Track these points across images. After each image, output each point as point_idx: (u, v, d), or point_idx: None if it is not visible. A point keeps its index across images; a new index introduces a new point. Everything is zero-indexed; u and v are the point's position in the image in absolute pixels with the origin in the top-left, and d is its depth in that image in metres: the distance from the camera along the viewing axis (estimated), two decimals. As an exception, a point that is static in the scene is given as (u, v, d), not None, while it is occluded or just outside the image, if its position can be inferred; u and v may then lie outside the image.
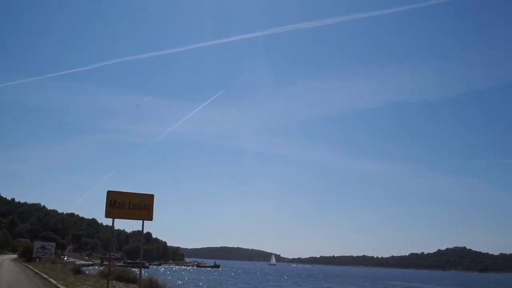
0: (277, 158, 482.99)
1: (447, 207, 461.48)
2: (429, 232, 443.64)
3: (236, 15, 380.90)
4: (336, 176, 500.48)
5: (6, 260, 57.27)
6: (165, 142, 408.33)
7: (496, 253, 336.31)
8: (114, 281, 17.23)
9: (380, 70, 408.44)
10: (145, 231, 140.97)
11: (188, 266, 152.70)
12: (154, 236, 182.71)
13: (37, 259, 47.89)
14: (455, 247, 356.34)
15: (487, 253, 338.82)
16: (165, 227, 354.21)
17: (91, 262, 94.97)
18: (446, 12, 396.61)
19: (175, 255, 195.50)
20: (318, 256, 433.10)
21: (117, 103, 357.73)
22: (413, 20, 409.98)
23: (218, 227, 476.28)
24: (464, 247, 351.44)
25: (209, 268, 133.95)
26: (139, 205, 15.01)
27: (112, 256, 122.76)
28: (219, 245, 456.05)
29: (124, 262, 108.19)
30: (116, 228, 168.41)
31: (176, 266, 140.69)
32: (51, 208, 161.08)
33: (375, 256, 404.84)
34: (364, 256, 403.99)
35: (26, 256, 54.13)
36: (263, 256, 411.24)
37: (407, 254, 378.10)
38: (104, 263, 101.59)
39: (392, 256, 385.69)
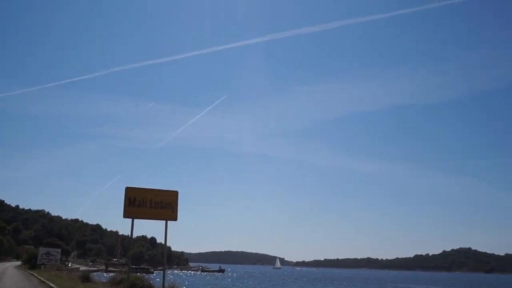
0: (280, 161, 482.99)
1: (451, 208, 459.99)
2: (434, 233, 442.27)
3: (237, 21, 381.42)
4: (339, 179, 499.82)
5: (10, 267, 56.71)
6: (168, 148, 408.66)
7: (501, 253, 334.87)
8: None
9: (379, 73, 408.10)
10: (149, 236, 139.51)
11: (193, 270, 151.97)
12: (158, 241, 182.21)
13: (42, 266, 47.19)
14: (460, 248, 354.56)
15: (493, 253, 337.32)
16: (169, 232, 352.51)
17: (96, 268, 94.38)
18: (445, 14, 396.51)
19: (179, 260, 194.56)
20: (322, 259, 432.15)
21: (120, 109, 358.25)
22: (412, 23, 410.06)
23: (222, 231, 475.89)
24: (470, 248, 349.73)
25: (214, 273, 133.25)
26: (162, 203, 13.33)
27: (116, 262, 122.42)
28: (223, 250, 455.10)
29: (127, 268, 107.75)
30: (120, 233, 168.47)
31: (181, 271, 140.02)
32: (55, 215, 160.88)
33: (379, 258, 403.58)
34: (368, 258, 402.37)
35: (31, 263, 53.35)
36: (267, 259, 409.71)
37: (411, 256, 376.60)
38: (109, 268, 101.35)
39: (397, 258, 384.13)
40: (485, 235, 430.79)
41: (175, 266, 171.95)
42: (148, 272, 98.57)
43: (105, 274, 68.24)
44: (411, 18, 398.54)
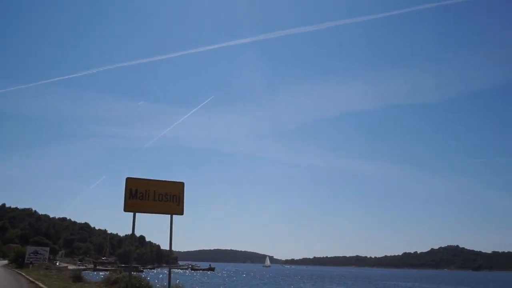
0: (270, 161, 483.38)
1: (439, 206, 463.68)
2: (422, 231, 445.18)
3: (230, 20, 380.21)
4: (328, 178, 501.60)
5: (-4, 266, 55.36)
6: (157, 147, 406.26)
7: (489, 251, 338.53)
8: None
9: (375, 73, 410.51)
10: (137, 235, 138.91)
11: (182, 269, 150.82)
12: (147, 239, 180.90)
13: (30, 265, 45.97)
14: (448, 246, 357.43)
15: (480, 251, 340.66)
16: (158, 230, 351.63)
17: (84, 267, 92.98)
18: (440, 14, 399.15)
19: (168, 258, 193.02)
20: (311, 257, 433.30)
21: (108, 108, 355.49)
22: (407, 23, 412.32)
23: (211, 230, 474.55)
24: (457, 246, 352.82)
25: (204, 271, 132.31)
26: (167, 196, 12.11)
27: (105, 260, 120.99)
28: (212, 248, 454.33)
29: (118, 266, 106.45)
30: (109, 232, 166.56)
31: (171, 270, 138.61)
32: (43, 213, 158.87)
33: (368, 256, 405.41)
34: (357, 256, 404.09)
35: (18, 262, 51.82)
36: (257, 258, 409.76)
37: (400, 254, 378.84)
38: (98, 267, 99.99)
39: (386, 256, 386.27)
40: (473, 233, 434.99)
41: (164, 265, 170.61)
42: (137, 270, 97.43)
43: (94, 273, 67.22)
44: (407, 18, 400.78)
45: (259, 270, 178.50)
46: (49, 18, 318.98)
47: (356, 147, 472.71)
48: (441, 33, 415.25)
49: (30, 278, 26.25)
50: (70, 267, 78.12)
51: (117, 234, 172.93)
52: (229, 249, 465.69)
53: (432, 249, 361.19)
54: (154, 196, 11.95)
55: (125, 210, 11.71)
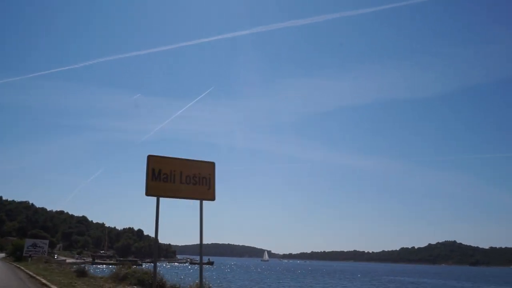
0: (267, 155, 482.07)
1: (437, 202, 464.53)
2: (420, 226, 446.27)
3: (225, 13, 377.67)
4: (325, 172, 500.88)
5: (-7, 259, 53.88)
6: (154, 141, 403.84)
7: (486, 246, 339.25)
8: (135, 286, 14.06)
9: (370, 67, 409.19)
10: (136, 228, 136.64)
11: (181, 263, 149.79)
12: (145, 233, 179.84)
13: (29, 259, 44.58)
14: (445, 241, 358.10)
15: (477, 246, 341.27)
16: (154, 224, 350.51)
17: (82, 260, 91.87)
18: (434, 9, 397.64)
19: (166, 252, 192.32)
20: (309, 251, 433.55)
21: (105, 101, 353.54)
22: (401, 18, 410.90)
23: (208, 223, 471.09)
24: (454, 241, 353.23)
25: (203, 265, 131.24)
26: (196, 178, 10.17)
27: (104, 254, 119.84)
28: (209, 242, 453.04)
29: (116, 260, 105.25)
30: (107, 225, 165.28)
31: (169, 264, 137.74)
32: (40, 206, 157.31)
33: (365, 251, 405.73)
34: (355, 251, 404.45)
35: (16, 256, 50.49)
36: (254, 252, 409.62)
37: (397, 249, 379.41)
38: (96, 260, 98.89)
39: (383, 251, 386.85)
40: (470, 228, 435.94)
41: (162, 259, 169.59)
42: (136, 264, 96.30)
43: (93, 267, 65.86)
44: (401, 12, 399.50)
45: (258, 264, 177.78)
46: (47, 10, 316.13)
47: (352, 142, 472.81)
48: (436, 27, 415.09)
49: (30, 273, 24.69)
50: (69, 260, 77.04)
51: (115, 227, 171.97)
52: (226, 243, 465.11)
53: (430, 244, 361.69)
54: (180, 178, 10.04)
55: (147, 193, 9.77)
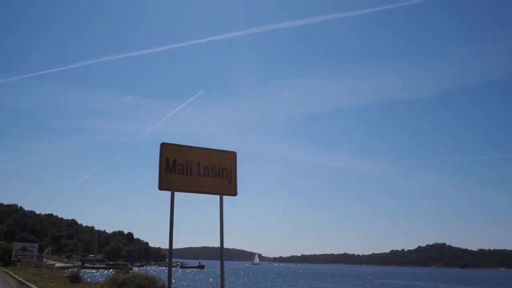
0: (259, 157, 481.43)
1: (426, 204, 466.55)
2: (409, 229, 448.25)
3: (220, 14, 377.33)
4: (316, 175, 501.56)
5: (-20, 264, 52.45)
6: (146, 143, 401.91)
7: (475, 249, 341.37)
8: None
9: (366, 68, 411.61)
10: (125, 232, 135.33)
11: (172, 267, 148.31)
12: (135, 236, 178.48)
13: (18, 263, 43.37)
14: (435, 244, 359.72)
15: (466, 249, 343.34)
16: (145, 227, 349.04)
17: (71, 265, 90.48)
18: (431, 9, 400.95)
19: (157, 255, 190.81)
20: (299, 254, 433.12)
21: (96, 103, 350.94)
22: (398, 19, 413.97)
23: (198, 227, 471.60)
24: (444, 244, 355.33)
25: (194, 269, 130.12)
26: (215, 169, 8.86)
27: (93, 258, 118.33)
28: (199, 245, 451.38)
29: (106, 264, 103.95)
30: (96, 228, 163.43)
31: (159, 267, 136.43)
32: (29, 209, 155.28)
33: (356, 254, 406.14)
34: (345, 254, 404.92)
35: (4, 260, 49.05)
36: (244, 255, 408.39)
37: (387, 251, 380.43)
38: (85, 264, 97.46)
39: (373, 254, 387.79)
40: (459, 230, 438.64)
41: (153, 262, 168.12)
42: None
43: (82, 271, 64.67)
44: (397, 13, 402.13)
45: (249, 268, 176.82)
46: (40, 11, 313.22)
47: (344, 144, 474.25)
48: (433, 28, 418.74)
49: (20, 279, 23.56)
50: (58, 264, 75.65)
51: (104, 230, 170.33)
52: (216, 246, 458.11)
53: (419, 247, 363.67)
54: (198, 169, 8.70)
55: (161, 187, 8.41)
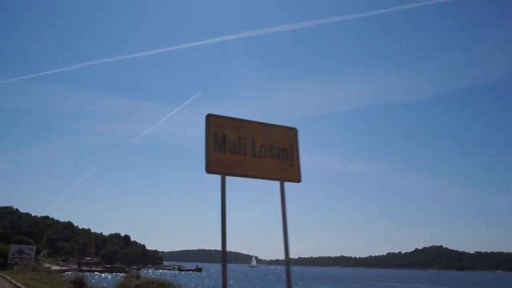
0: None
1: (423, 206, 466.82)
2: (406, 231, 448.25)
3: (218, 17, 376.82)
4: (311, 177, 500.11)
5: (-25, 267, 51.11)
6: (142, 145, 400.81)
7: (472, 251, 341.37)
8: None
9: (364, 71, 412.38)
10: (122, 234, 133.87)
11: (168, 269, 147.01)
12: (132, 239, 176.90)
13: (15, 266, 42.10)
14: (432, 246, 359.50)
15: (463, 251, 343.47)
16: (143, 230, 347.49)
17: (68, 267, 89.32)
18: (429, 12, 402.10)
19: (154, 258, 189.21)
20: (296, 257, 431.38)
21: (93, 104, 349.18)
22: (397, 21, 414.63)
23: (195, 230, 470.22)
24: (441, 246, 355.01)
25: (191, 272, 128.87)
26: (273, 149, 6.76)
27: (90, 261, 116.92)
28: (196, 248, 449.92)
29: (103, 267, 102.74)
30: (93, 231, 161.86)
31: (156, 270, 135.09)
32: (24, 211, 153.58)
33: (353, 256, 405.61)
34: (342, 256, 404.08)
35: (0, 263, 48.17)
36: (241, 258, 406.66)
37: (384, 254, 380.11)
38: (82, 267, 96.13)
39: (370, 256, 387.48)
40: (456, 233, 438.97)
41: (150, 265, 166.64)
42: (123, 271, 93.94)
43: (79, 274, 63.49)
44: (396, 16, 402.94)
45: (247, 270, 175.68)
46: (36, 13, 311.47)
47: (342, 147, 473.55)
48: (432, 30, 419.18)
49: (18, 284, 22.30)
50: (54, 267, 74.48)
51: (101, 233, 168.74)
52: (213, 249, 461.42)
53: (416, 249, 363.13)
54: (253, 148, 6.58)
55: (209, 170, 6.24)
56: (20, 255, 46.14)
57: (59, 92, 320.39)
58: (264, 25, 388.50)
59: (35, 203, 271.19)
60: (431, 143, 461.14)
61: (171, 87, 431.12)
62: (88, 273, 62.59)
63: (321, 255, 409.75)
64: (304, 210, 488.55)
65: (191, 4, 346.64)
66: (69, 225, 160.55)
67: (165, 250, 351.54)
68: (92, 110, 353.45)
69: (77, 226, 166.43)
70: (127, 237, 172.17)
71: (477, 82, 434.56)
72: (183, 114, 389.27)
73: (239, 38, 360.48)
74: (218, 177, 6.08)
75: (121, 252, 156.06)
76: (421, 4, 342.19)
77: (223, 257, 6.00)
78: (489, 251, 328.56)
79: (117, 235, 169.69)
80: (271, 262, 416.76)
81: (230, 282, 75.79)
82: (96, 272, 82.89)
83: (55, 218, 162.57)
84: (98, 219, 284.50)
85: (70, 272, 62.47)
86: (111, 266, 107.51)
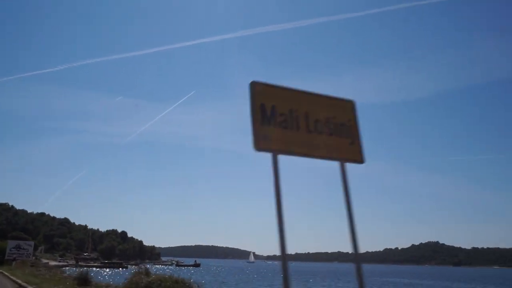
0: (252, 157, 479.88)
1: (420, 203, 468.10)
2: (403, 227, 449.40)
3: (216, 16, 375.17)
4: (307, 173, 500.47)
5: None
6: (136, 143, 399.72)
7: (468, 247, 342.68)
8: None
9: (364, 69, 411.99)
10: (119, 230, 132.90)
11: (166, 265, 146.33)
12: (129, 235, 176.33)
13: (13, 262, 41.36)
14: (429, 242, 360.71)
15: (460, 247, 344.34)
16: (139, 226, 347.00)
17: (66, 263, 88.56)
18: (429, 10, 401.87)
19: (151, 254, 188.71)
20: (293, 253, 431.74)
21: (89, 103, 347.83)
22: (396, 19, 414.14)
23: (192, 225, 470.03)
24: (437, 242, 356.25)
25: (189, 267, 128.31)
26: (329, 124, 5.05)
27: (87, 256, 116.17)
28: (193, 244, 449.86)
29: (101, 263, 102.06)
30: (89, 227, 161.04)
31: (154, 266, 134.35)
32: (20, 208, 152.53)
33: (350, 252, 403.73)
34: (339, 252, 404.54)
35: (-3, 259, 47.33)
36: (238, 253, 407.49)
37: (381, 250, 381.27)
38: (80, 263, 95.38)
39: (367, 252, 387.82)
40: (453, 229, 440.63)
41: (147, 261, 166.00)
42: (121, 266, 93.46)
43: (83, 270, 62.70)
44: (395, 14, 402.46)
45: (245, 266, 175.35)
46: (29, 12, 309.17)
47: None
48: (430, 28, 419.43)
49: (19, 281, 21.11)
50: (52, 263, 73.75)
51: (98, 229, 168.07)
52: (210, 245, 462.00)
53: (413, 245, 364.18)
54: (307, 122, 4.97)
55: (258, 147, 4.61)
56: (18, 250, 45.48)
57: (55, 91, 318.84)
58: (261, 24, 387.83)
59: (30, 200, 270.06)
60: (428, 141, 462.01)
61: (167, 85, 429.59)
62: (86, 269, 61.78)
63: (318, 251, 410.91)
64: (301, 206, 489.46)
65: (188, 3, 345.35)
66: (65, 221, 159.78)
67: (162, 246, 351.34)
68: (88, 108, 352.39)
69: (74, 223, 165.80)
70: (124, 233, 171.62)
71: (476, 80, 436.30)
72: (178, 113, 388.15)
73: (236, 37, 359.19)
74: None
75: (118, 248, 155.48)
76: (420, 3, 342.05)
77: (282, 249, 2.97)
78: (485, 247, 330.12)
79: (114, 231, 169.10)
80: (268, 258, 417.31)
81: (234, 276, 75.48)
82: (94, 268, 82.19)
83: (51, 215, 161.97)
84: (95, 216, 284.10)
85: (68, 268, 61.81)
86: (109, 261, 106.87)
